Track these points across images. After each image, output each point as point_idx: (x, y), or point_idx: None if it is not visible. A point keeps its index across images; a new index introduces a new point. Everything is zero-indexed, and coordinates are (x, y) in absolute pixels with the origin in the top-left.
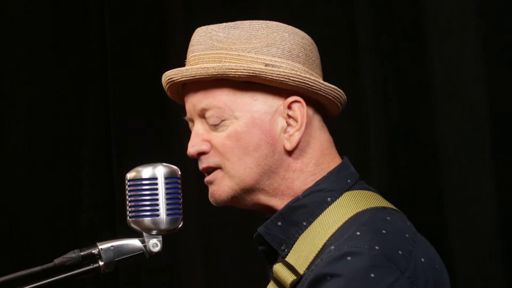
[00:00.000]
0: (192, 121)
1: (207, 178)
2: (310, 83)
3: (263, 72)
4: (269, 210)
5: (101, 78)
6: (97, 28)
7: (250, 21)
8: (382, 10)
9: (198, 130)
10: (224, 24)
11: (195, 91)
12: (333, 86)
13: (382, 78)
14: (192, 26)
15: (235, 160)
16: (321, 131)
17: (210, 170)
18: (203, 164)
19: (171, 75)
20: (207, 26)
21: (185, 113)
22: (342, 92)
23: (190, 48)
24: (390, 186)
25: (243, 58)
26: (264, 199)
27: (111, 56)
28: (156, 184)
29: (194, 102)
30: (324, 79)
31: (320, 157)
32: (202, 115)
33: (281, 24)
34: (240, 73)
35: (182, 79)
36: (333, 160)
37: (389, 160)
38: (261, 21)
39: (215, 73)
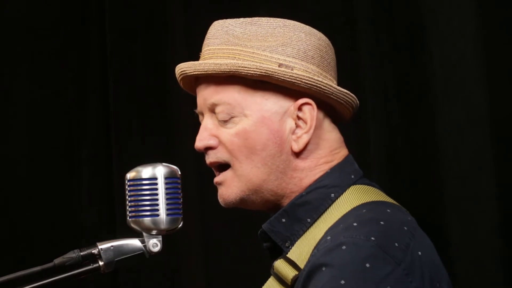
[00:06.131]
0: (202, 114)
1: (217, 179)
2: (322, 86)
3: (275, 72)
4: (278, 210)
5: (101, 78)
6: (97, 28)
7: (268, 18)
8: (382, 10)
9: (207, 124)
10: (242, 19)
11: (207, 85)
12: (345, 90)
13: (382, 78)
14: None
15: (242, 159)
16: (331, 133)
17: (217, 165)
18: (210, 158)
19: (184, 68)
20: (224, 20)
21: (195, 106)
22: (355, 97)
23: (206, 41)
24: (390, 186)
25: (257, 56)
26: (273, 199)
27: (111, 56)
28: (156, 184)
29: (205, 96)
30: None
31: (329, 156)
32: (212, 109)
33: (299, 23)
34: (252, 72)
35: (194, 73)
36: (342, 158)
37: (389, 160)
38: (279, 19)
39: (227, 70)
